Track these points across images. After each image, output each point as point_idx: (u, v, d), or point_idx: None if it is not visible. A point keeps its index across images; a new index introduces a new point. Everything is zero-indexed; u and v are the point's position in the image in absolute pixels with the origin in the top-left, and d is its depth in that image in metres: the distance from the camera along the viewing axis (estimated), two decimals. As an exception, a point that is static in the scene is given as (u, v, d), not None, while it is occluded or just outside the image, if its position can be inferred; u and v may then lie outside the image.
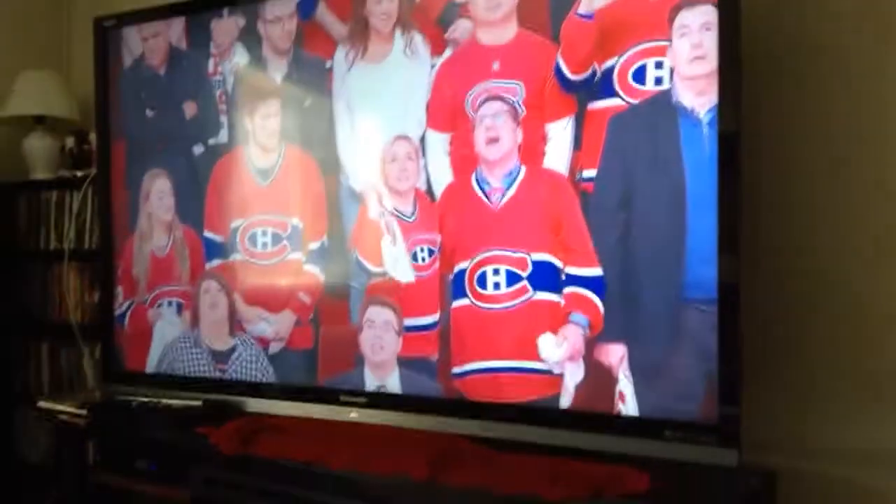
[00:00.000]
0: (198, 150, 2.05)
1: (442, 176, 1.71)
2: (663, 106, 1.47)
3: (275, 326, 1.96)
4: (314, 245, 1.90)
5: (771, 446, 1.67)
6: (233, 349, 2.03)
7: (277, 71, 1.93)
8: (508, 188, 1.63)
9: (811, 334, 1.70)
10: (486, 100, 1.64)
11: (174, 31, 2.08)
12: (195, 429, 2.02)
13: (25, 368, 2.93)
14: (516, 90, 1.61)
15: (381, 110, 1.80)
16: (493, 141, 1.63)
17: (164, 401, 2.18)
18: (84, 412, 2.30)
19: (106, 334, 2.30)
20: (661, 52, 1.47)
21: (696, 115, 1.44)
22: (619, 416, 1.53)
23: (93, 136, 2.64)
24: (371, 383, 1.82)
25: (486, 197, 1.65)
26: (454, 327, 1.70)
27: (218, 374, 2.06)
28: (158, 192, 2.11)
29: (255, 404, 2.02)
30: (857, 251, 1.66)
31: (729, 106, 1.41)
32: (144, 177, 2.13)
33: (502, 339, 1.64)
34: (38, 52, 3.14)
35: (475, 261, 1.66)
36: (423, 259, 1.74)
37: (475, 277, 1.66)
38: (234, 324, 2.01)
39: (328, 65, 1.85)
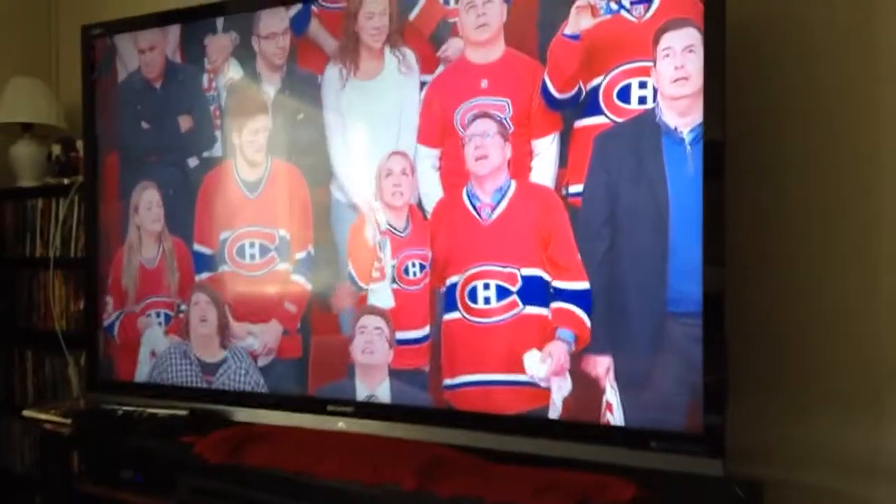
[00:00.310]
0: (192, 162, 2.06)
1: (432, 191, 1.74)
2: (647, 125, 1.50)
3: (262, 338, 1.97)
4: (300, 255, 1.92)
5: (757, 456, 1.71)
6: (223, 361, 2.04)
7: (271, 86, 1.95)
8: (498, 204, 1.66)
9: (797, 344, 1.72)
10: (476, 117, 1.67)
11: (170, 45, 2.09)
12: (181, 438, 2.02)
13: (10, 377, 2.92)
14: (504, 107, 1.65)
15: (375, 126, 1.82)
16: (483, 158, 1.66)
17: (150, 410, 2.17)
18: (69, 421, 2.29)
19: (91, 343, 2.30)
20: (646, 72, 1.50)
21: (679, 134, 1.47)
22: (605, 427, 1.55)
23: (80, 144, 2.64)
24: (361, 393, 1.84)
25: (477, 212, 1.68)
26: (445, 340, 1.72)
27: (205, 385, 2.06)
28: (147, 203, 2.12)
29: (242, 414, 2.02)
30: (845, 262, 1.68)
31: (713, 125, 1.44)
32: (135, 189, 2.14)
33: (492, 353, 1.66)
34: (26, 59, 3.13)
35: (466, 275, 1.69)
36: (415, 274, 1.77)
37: (466, 292, 1.69)
38: (225, 336, 2.02)
39: (321, 80, 1.87)
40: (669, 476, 1.48)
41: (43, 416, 2.37)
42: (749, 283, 1.72)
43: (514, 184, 1.64)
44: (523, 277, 1.63)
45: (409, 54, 1.76)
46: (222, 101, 2.02)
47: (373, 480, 1.68)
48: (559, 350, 1.59)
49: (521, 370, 1.63)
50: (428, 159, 1.74)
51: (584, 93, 1.56)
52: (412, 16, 1.75)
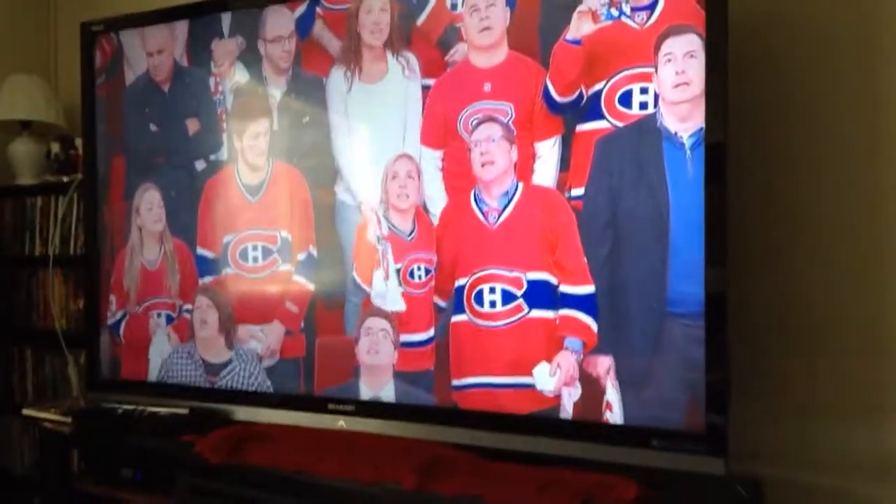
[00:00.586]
0: (200, 165, 2.06)
1: (435, 193, 1.75)
2: (648, 129, 1.52)
3: (266, 339, 1.97)
4: (301, 255, 1.93)
5: (759, 455, 1.72)
6: (228, 362, 2.03)
7: (276, 89, 1.95)
8: (505, 208, 1.67)
9: (800, 343, 1.74)
10: (480, 122, 1.68)
11: (177, 48, 2.09)
12: (181, 437, 2.02)
13: (9, 376, 2.92)
14: (506, 111, 1.66)
15: (380, 129, 1.83)
16: (489, 163, 1.68)
17: (150, 409, 2.18)
18: (69, 420, 2.30)
19: (91, 342, 2.29)
20: (647, 77, 1.52)
21: (680, 139, 1.49)
22: (608, 426, 1.57)
23: (79, 142, 2.64)
24: (366, 394, 1.84)
25: (484, 217, 1.69)
26: (453, 342, 1.73)
27: (208, 385, 2.07)
28: (147, 204, 2.12)
29: (243, 413, 2.02)
30: (846, 260, 1.70)
31: (715, 130, 1.45)
32: (137, 190, 2.14)
33: (499, 356, 1.67)
34: (26, 56, 3.13)
35: (473, 278, 1.70)
36: (420, 277, 1.78)
37: (472, 295, 1.70)
38: (230, 337, 2.02)
39: (326, 83, 1.88)
40: (672, 475, 1.49)
41: (43, 415, 2.38)
42: (752, 283, 1.74)
43: (520, 187, 1.65)
44: (529, 281, 1.64)
45: (413, 58, 1.77)
46: (228, 104, 2.03)
47: (373, 479, 1.69)
48: (568, 361, 1.60)
49: (528, 373, 1.65)
50: (431, 161, 1.75)
51: (585, 97, 1.58)
52: (420, 20, 1.76)
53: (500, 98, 1.66)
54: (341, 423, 1.87)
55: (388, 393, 1.82)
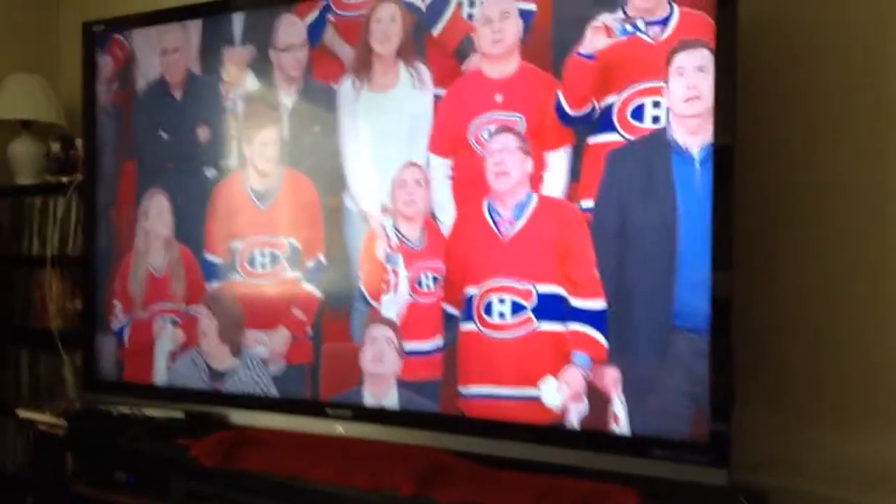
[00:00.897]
0: (210, 172, 2.06)
1: (443, 200, 1.76)
2: (658, 143, 1.53)
3: (272, 345, 1.96)
4: (310, 263, 1.93)
5: (761, 466, 1.72)
6: (233, 369, 2.02)
7: (287, 97, 1.96)
8: (518, 219, 1.67)
9: (804, 354, 1.74)
10: (495, 133, 1.69)
11: (190, 55, 2.09)
12: (176, 441, 2.01)
13: (4, 375, 2.90)
14: (517, 122, 1.67)
15: (388, 137, 1.83)
16: (502, 174, 1.68)
17: (146, 411, 2.17)
18: (63, 422, 2.29)
19: (88, 343, 2.28)
20: (659, 91, 1.53)
21: (689, 152, 1.50)
22: (610, 435, 1.57)
23: (79, 142, 2.64)
24: (370, 402, 1.84)
25: (497, 227, 1.69)
26: (461, 350, 1.73)
27: (212, 389, 2.06)
28: (156, 209, 2.12)
29: (240, 417, 2.02)
30: (854, 272, 1.70)
31: (724, 144, 1.47)
32: (145, 195, 2.14)
33: (506, 367, 1.67)
34: (28, 55, 3.12)
35: (483, 288, 1.70)
36: (428, 286, 1.78)
37: (482, 305, 1.70)
38: (235, 344, 2.01)
39: (335, 91, 1.88)
40: (675, 485, 1.50)
41: (37, 417, 2.36)
42: (756, 294, 1.74)
43: (534, 199, 1.66)
44: (539, 294, 1.64)
45: (424, 69, 1.78)
46: (239, 111, 2.03)
47: (370, 486, 1.69)
48: (575, 377, 1.60)
49: (534, 385, 1.65)
50: (440, 169, 1.76)
51: (597, 111, 1.59)
52: (436, 30, 1.77)
53: (511, 109, 1.67)
54: (339, 428, 1.86)
55: (391, 401, 1.81)
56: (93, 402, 2.29)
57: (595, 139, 1.59)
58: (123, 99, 2.21)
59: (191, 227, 2.08)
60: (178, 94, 2.11)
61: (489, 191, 1.70)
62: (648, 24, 1.54)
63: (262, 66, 1.98)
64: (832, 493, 1.71)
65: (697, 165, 1.49)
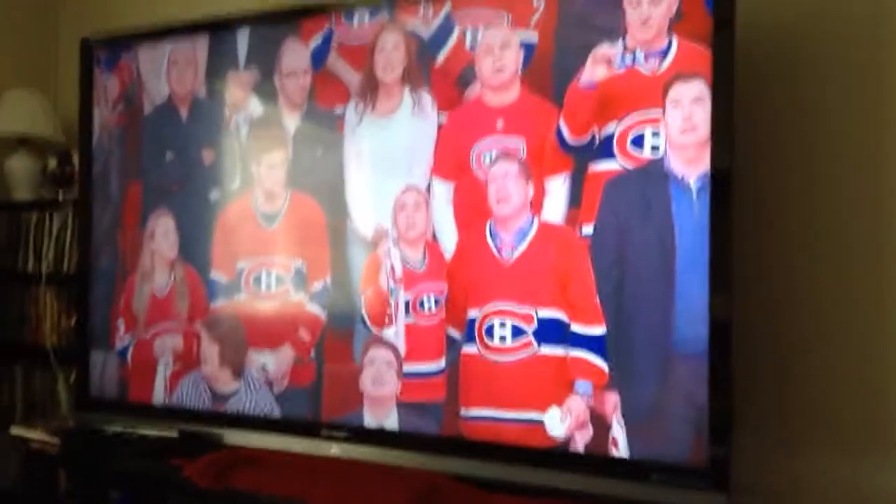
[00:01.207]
0: (214, 195, 2.08)
1: (444, 223, 1.78)
2: (656, 172, 1.56)
3: (275, 366, 1.97)
4: (316, 286, 1.94)
5: (760, 491, 1.74)
6: (236, 391, 2.03)
7: (291, 121, 1.98)
8: (519, 244, 1.69)
9: (802, 377, 1.76)
10: (496, 158, 1.72)
11: (196, 79, 2.11)
12: (169, 460, 2.01)
13: (-2, 391, 2.88)
14: (518, 148, 1.69)
15: (390, 162, 1.85)
16: (503, 200, 1.71)
17: (139, 430, 2.16)
18: (56, 440, 2.27)
19: (81, 361, 2.28)
20: (656, 121, 1.56)
21: (687, 182, 1.52)
22: (609, 459, 1.59)
23: (76, 158, 2.64)
24: (370, 424, 1.84)
25: (498, 251, 1.71)
26: (463, 372, 1.74)
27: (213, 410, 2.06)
28: (162, 230, 2.13)
29: (234, 437, 2.02)
30: (852, 299, 1.72)
31: (720, 175, 1.50)
32: (151, 215, 2.15)
33: (507, 390, 1.69)
34: (26, 71, 3.12)
35: (485, 311, 1.72)
36: (430, 308, 1.79)
37: (483, 328, 1.72)
38: (237, 366, 2.02)
39: (339, 115, 1.91)
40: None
41: (30, 434, 2.35)
42: (756, 320, 1.76)
43: (536, 224, 1.68)
44: (539, 319, 1.66)
45: (426, 95, 1.80)
46: (243, 135, 2.05)
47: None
48: (578, 406, 1.62)
49: (535, 409, 1.66)
50: (443, 192, 1.78)
51: (598, 139, 1.62)
52: (439, 59, 1.79)
53: (512, 135, 1.70)
54: (334, 449, 1.86)
55: (391, 423, 1.82)
56: (87, 420, 2.28)
57: (595, 167, 1.62)
58: (128, 120, 2.22)
59: (196, 247, 2.09)
60: (183, 117, 2.13)
61: (491, 215, 1.72)
62: (648, 55, 1.57)
63: (266, 89, 2.00)
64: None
65: (694, 194, 1.51)
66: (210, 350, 2.06)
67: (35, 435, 2.33)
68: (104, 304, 2.24)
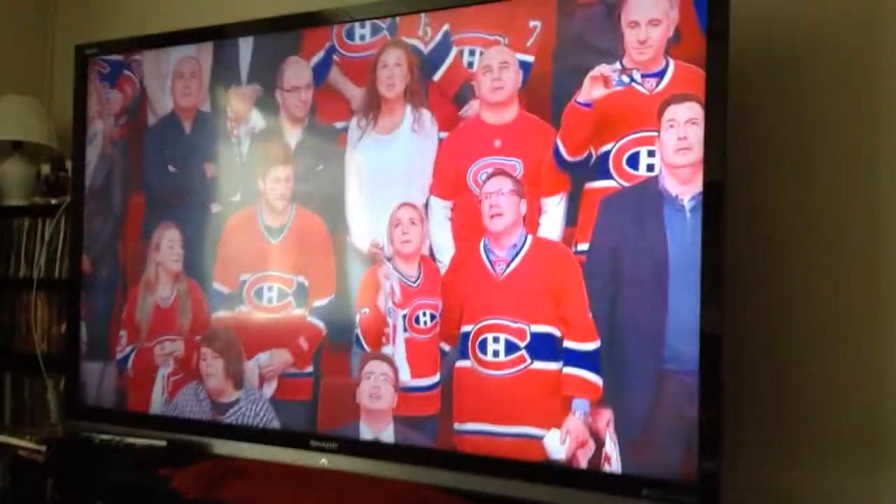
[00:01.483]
0: (215, 208, 2.09)
1: (443, 241, 1.79)
2: (650, 191, 1.58)
3: (273, 377, 1.97)
4: (319, 302, 1.94)
5: (755, 503, 1.74)
6: (236, 401, 2.02)
7: (293, 137, 1.99)
8: (513, 260, 1.71)
9: (795, 392, 1.77)
10: (490, 175, 1.73)
11: (200, 93, 2.12)
12: (158, 470, 2.00)
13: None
14: (515, 167, 1.71)
15: (390, 178, 1.87)
16: (497, 216, 1.72)
17: (128, 439, 2.15)
18: (43, 448, 2.26)
19: (71, 368, 2.28)
20: (652, 141, 1.58)
21: (680, 202, 1.54)
22: (599, 474, 1.60)
23: (69, 164, 2.63)
24: (367, 436, 1.85)
25: (492, 266, 1.72)
26: (456, 387, 1.75)
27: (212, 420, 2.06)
28: (168, 242, 2.14)
29: (223, 447, 2.02)
30: (848, 314, 1.73)
31: (713, 195, 1.51)
32: (157, 227, 2.15)
33: (501, 404, 1.70)
34: (21, 77, 3.12)
35: (478, 326, 1.73)
36: (425, 323, 1.80)
37: (477, 343, 1.73)
38: (238, 377, 2.02)
39: (340, 131, 1.92)
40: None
41: (16, 442, 2.33)
42: (752, 332, 1.78)
43: (529, 240, 1.70)
44: (532, 334, 1.67)
45: (426, 113, 1.82)
46: (245, 149, 2.06)
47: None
48: (577, 426, 1.62)
49: (528, 424, 1.67)
50: (441, 210, 1.79)
51: (594, 157, 1.64)
52: (437, 76, 1.81)
53: (510, 154, 1.72)
54: (324, 461, 1.86)
55: (387, 436, 1.82)
56: (76, 428, 2.27)
57: (592, 185, 1.64)
58: (131, 132, 2.23)
59: (198, 261, 2.10)
60: (187, 129, 2.14)
61: (486, 231, 1.73)
62: (645, 76, 1.59)
63: (268, 104, 2.02)
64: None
65: (688, 213, 1.53)
66: (215, 364, 2.05)
67: (21, 443, 2.31)
68: (103, 314, 2.24)
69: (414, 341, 1.81)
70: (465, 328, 1.74)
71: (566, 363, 1.64)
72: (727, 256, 1.51)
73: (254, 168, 2.04)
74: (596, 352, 1.61)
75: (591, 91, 1.63)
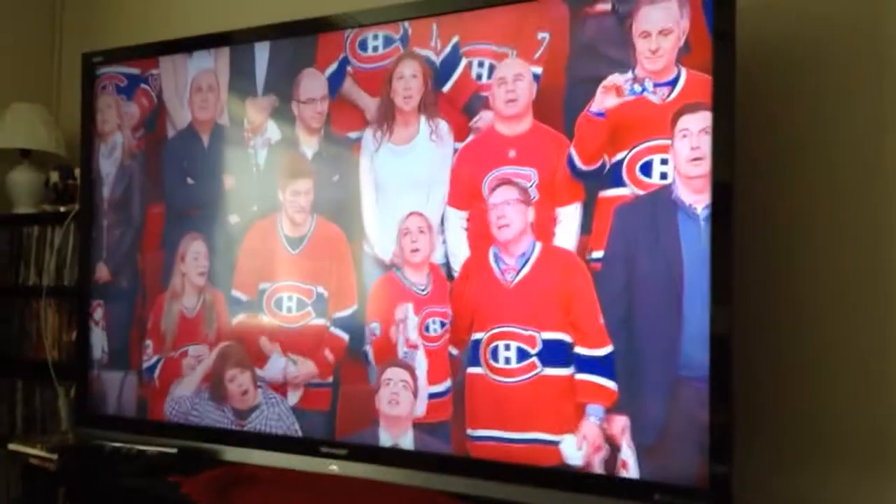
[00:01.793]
0: (234, 219, 2.10)
1: (459, 251, 1.80)
2: (664, 199, 1.59)
3: (295, 392, 1.98)
4: (340, 313, 1.95)
5: None
6: (256, 406, 2.03)
7: (309, 148, 2.01)
8: (522, 268, 1.72)
9: (805, 397, 1.77)
10: (496, 186, 1.75)
11: (217, 105, 2.14)
12: (168, 478, 2.01)
13: (-2, 407, 2.86)
14: (530, 177, 1.72)
15: (406, 188, 1.88)
16: (504, 226, 1.74)
17: (139, 447, 2.16)
18: (55, 456, 2.26)
19: (82, 376, 2.29)
20: (665, 150, 1.59)
21: (694, 210, 1.56)
22: (612, 479, 1.61)
23: (78, 171, 2.64)
24: (386, 442, 1.85)
25: (501, 274, 1.73)
26: (468, 393, 1.76)
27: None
28: (193, 254, 2.15)
29: (233, 453, 2.02)
30: (856, 320, 1.73)
31: (723, 203, 1.53)
32: (182, 239, 2.16)
33: (514, 411, 1.71)
34: (29, 85, 3.13)
35: (489, 334, 1.74)
36: (435, 331, 1.81)
37: (489, 350, 1.74)
38: (256, 383, 2.03)
39: (355, 140, 1.94)
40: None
41: (28, 450, 2.33)
42: (758, 337, 1.78)
43: (538, 248, 1.71)
44: (543, 341, 1.68)
45: (443, 123, 1.83)
46: (262, 160, 2.07)
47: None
48: (593, 432, 1.63)
49: (541, 430, 1.68)
50: (457, 221, 1.81)
51: (608, 166, 1.65)
52: (446, 88, 1.83)
53: (524, 164, 1.73)
54: (333, 467, 1.86)
55: (406, 442, 1.83)
56: (86, 436, 2.28)
57: (606, 193, 1.65)
58: (149, 144, 2.25)
59: (219, 272, 2.11)
60: (205, 141, 2.15)
61: (494, 240, 1.75)
62: (657, 85, 1.60)
63: (284, 115, 2.03)
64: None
65: (702, 223, 1.54)
66: (243, 378, 2.06)
67: (33, 451, 2.31)
68: (124, 324, 2.25)
69: (425, 349, 1.82)
70: (477, 335, 1.76)
71: (578, 369, 1.65)
72: (737, 262, 1.52)
73: (271, 178, 2.06)
74: (609, 357, 1.62)
75: (603, 101, 1.64)
